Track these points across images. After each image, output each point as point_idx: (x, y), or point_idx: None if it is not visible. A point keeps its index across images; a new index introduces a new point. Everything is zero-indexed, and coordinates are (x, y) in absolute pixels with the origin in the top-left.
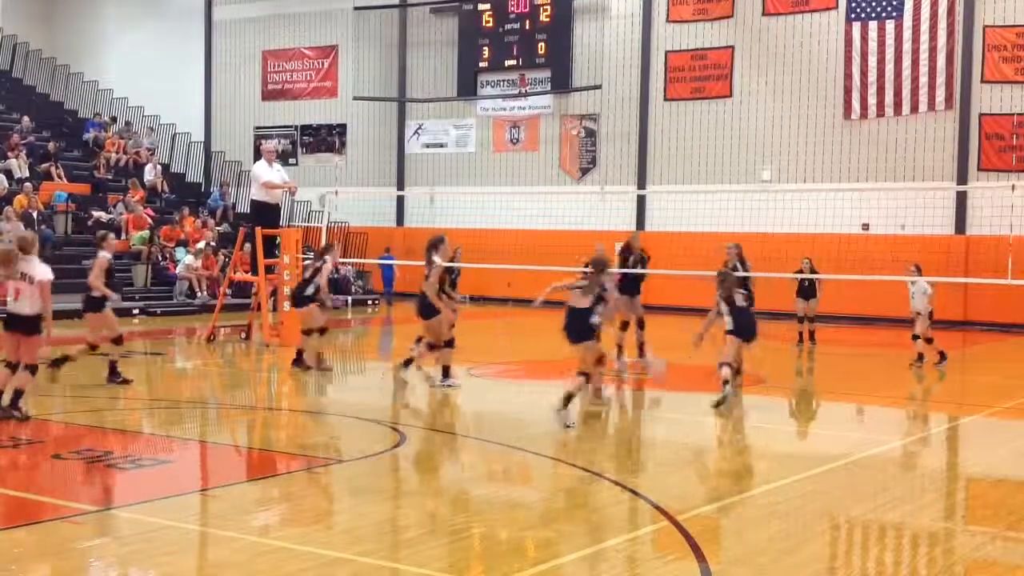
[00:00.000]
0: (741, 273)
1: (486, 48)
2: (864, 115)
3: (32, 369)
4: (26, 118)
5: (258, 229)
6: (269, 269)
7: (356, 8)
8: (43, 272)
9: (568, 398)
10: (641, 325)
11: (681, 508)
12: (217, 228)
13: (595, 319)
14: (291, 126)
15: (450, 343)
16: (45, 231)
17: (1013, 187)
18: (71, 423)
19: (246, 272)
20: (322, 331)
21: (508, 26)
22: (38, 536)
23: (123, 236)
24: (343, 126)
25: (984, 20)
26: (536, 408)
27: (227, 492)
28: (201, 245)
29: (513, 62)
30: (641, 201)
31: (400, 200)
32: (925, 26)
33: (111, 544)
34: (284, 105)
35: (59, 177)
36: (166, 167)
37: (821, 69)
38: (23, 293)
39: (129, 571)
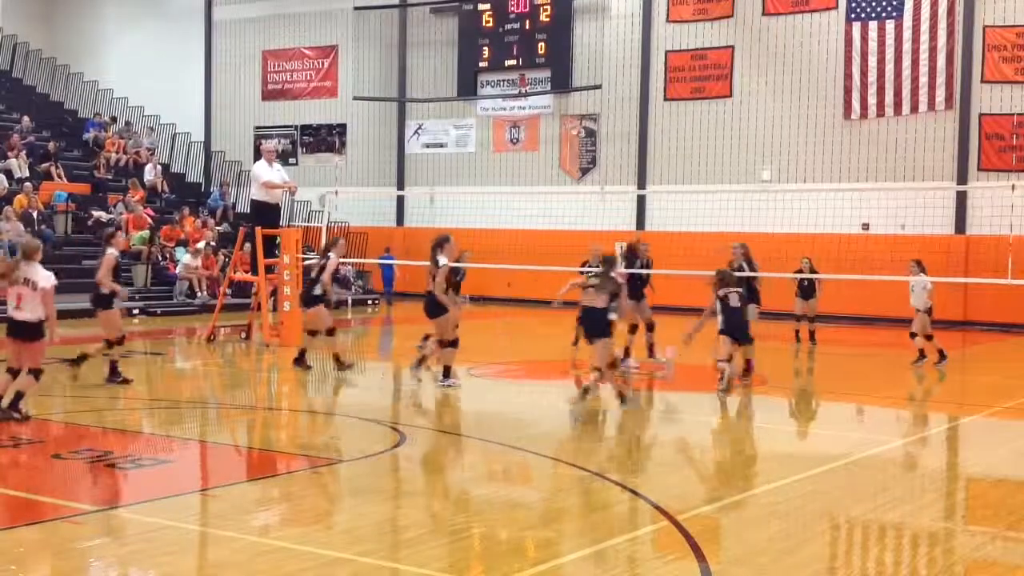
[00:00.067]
0: (748, 273)
1: (486, 48)
2: (864, 115)
3: (36, 373)
4: (26, 118)
5: (258, 229)
6: (269, 269)
7: (356, 8)
8: (46, 278)
9: (585, 391)
10: (651, 327)
11: (681, 508)
12: (217, 228)
13: (612, 316)
14: (291, 126)
15: (453, 343)
16: (45, 231)
17: (1013, 187)
18: (71, 423)
19: (246, 272)
20: (330, 332)
21: (508, 26)
22: (38, 536)
23: (123, 236)
24: (343, 126)
25: (984, 20)
26: (536, 408)
27: (227, 492)
28: (201, 245)
29: (513, 62)
30: (641, 201)
31: (400, 200)
32: (925, 26)
33: (111, 544)
34: (284, 105)
35: (59, 177)
36: (166, 167)
37: (821, 69)
38: (25, 299)
39: (129, 571)
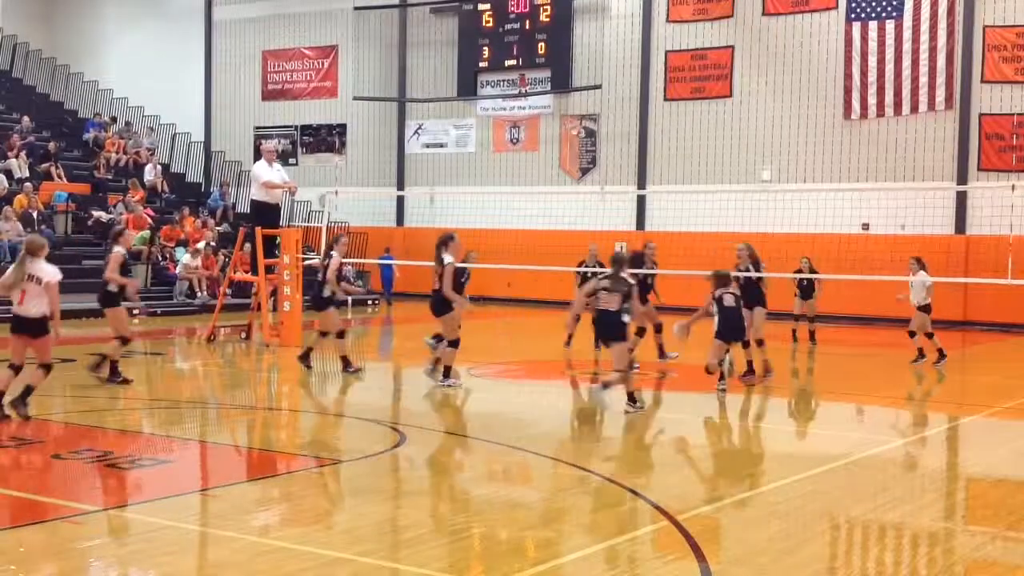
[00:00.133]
0: (755, 274)
1: (486, 48)
2: (864, 115)
3: (47, 368)
4: (26, 118)
5: (258, 229)
6: (269, 269)
7: (356, 8)
8: (51, 273)
9: (607, 385)
10: (658, 329)
11: (681, 508)
12: (217, 228)
13: (625, 318)
14: (291, 126)
15: (453, 343)
16: (45, 231)
17: (1013, 187)
18: (71, 423)
19: (246, 272)
20: (340, 334)
21: (508, 26)
22: (38, 536)
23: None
24: (343, 126)
25: (984, 20)
26: (536, 408)
27: (227, 492)
28: (200, 245)
29: (513, 62)
30: (641, 201)
31: (400, 200)
32: (925, 26)
33: (111, 544)
34: (284, 105)
35: (59, 177)
36: (166, 167)
37: (821, 69)
38: (30, 294)
39: (129, 571)
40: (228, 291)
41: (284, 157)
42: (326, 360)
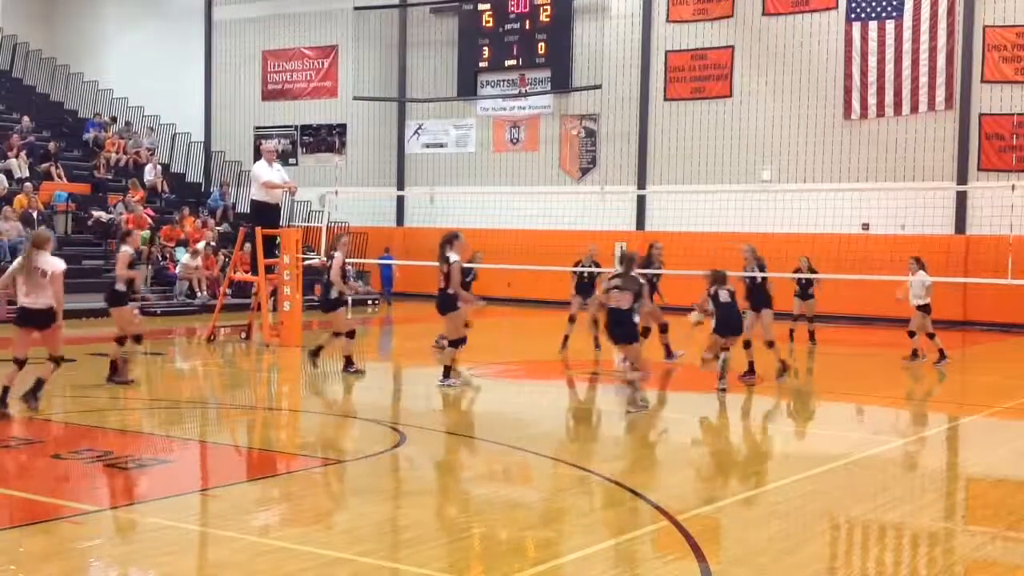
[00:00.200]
0: (759, 274)
1: (486, 48)
2: (864, 115)
3: (57, 360)
4: (26, 118)
5: (258, 229)
6: (269, 269)
7: (356, 8)
8: (55, 264)
9: (631, 383)
10: (664, 329)
11: (681, 508)
12: (217, 228)
13: (636, 317)
14: (291, 126)
15: (454, 343)
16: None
17: (1013, 187)
18: (71, 423)
19: (246, 272)
20: (350, 334)
21: (508, 26)
22: (38, 536)
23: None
24: (343, 126)
25: (984, 20)
26: (536, 408)
27: (227, 492)
28: (200, 245)
29: (513, 62)
30: (641, 201)
31: (400, 200)
32: (925, 26)
33: (111, 544)
34: (284, 105)
35: (59, 177)
36: (166, 167)
37: (821, 69)
38: (36, 287)
39: (129, 571)
40: (228, 291)
41: (284, 157)
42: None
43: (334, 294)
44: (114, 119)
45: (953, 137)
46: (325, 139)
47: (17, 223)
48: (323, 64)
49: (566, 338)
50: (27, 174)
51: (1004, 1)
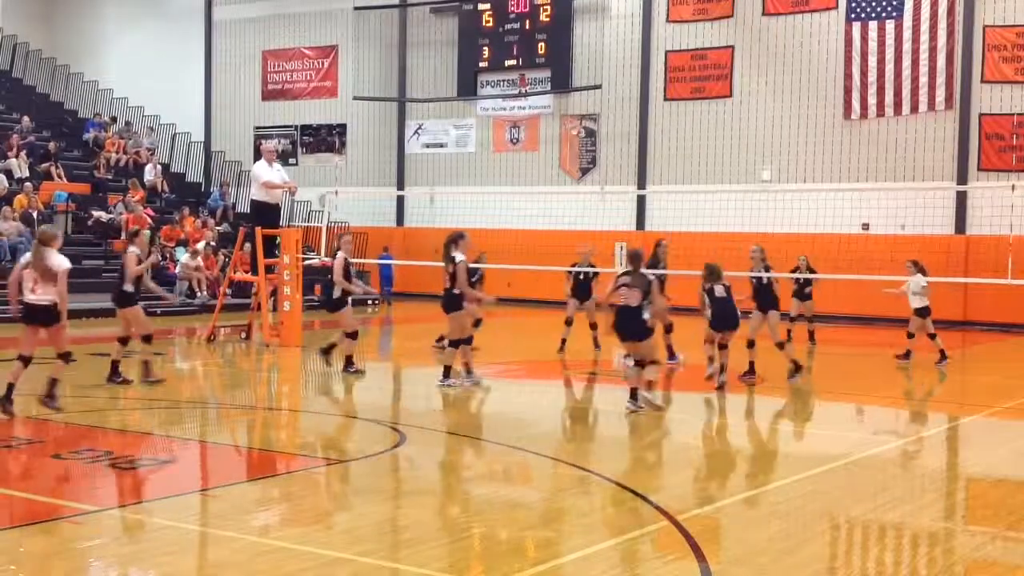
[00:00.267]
0: (765, 275)
1: (486, 48)
2: (864, 115)
3: (64, 356)
4: (26, 118)
5: (258, 229)
6: (269, 269)
7: (356, 8)
8: (60, 262)
9: (650, 385)
10: (669, 329)
11: (681, 508)
12: (217, 228)
13: (646, 315)
14: (291, 126)
15: (455, 344)
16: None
17: (1013, 187)
18: (71, 423)
19: (246, 272)
20: (351, 335)
21: (508, 26)
22: (38, 536)
23: (123, 236)
24: (343, 126)
25: (984, 20)
26: (536, 408)
27: (227, 492)
28: (200, 245)
29: (513, 62)
30: (641, 201)
31: (400, 200)
32: (925, 26)
33: (111, 544)
34: (284, 105)
35: (59, 177)
36: (166, 167)
37: (821, 69)
38: (40, 283)
39: (129, 571)
40: (228, 291)
41: (284, 157)
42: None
43: (337, 293)
44: (114, 119)
45: (953, 137)
46: (325, 139)
47: (17, 223)
48: (323, 64)
49: (564, 341)
50: (27, 174)
51: (1004, 1)
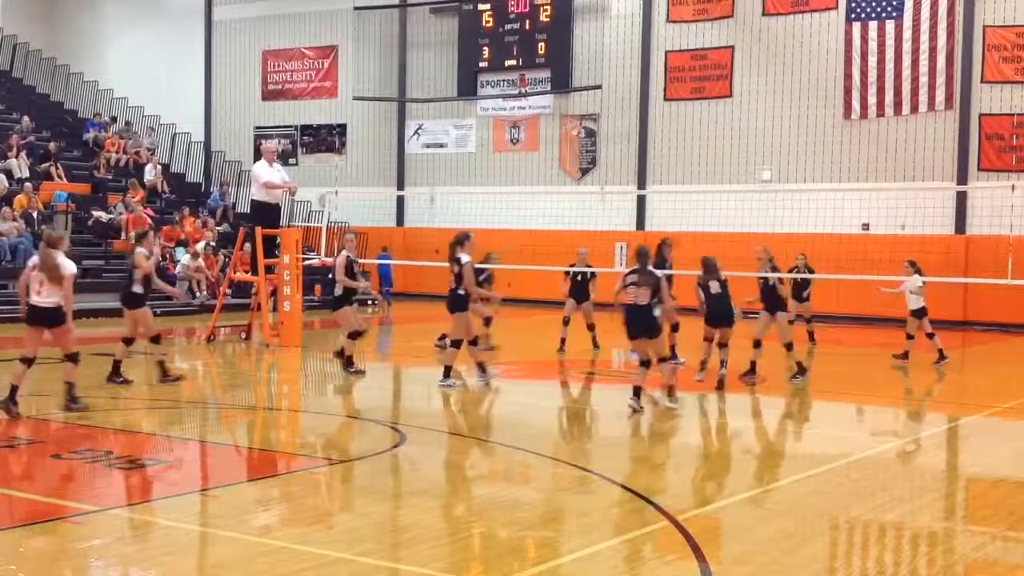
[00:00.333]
0: (769, 275)
1: (486, 48)
2: (864, 115)
3: (73, 358)
4: (26, 118)
5: (258, 229)
6: (269, 269)
7: (356, 8)
8: (67, 266)
9: (671, 391)
10: (675, 328)
11: (681, 508)
12: (217, 228)
13: (656, 312)
14: (291, 126)
15: (456, 344)
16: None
17: (1013, 187)
18: (71, 423)
19: (246, 272)
20: (352, 335)
21: (508, 26)
22: (38, 536)
23: (123, 236)
24: (343, 126)
25: (984, 20)
26: (536, 408)
27: (227, 492)
28: (200, 245)
29: (513, 62)
30: (641, 201)
31: (400, 200)
32: (925, 26)
33: (111, 544)
34: (284, 105)
35: (59, 177)
36: (166, 167)
37: (821, 69)
38: (47, 285)
39: (129, 571)
40: (228, 291)
41: (284, 157)
42: (327, 360)
43: (337, 291)
44: (114, 119)
45: (953, 137)
46: (325, 139)
47: (18, 223)
48: (323, 64)
49: (563, 341)
50: (27, 174)
51: (1004, 1)
